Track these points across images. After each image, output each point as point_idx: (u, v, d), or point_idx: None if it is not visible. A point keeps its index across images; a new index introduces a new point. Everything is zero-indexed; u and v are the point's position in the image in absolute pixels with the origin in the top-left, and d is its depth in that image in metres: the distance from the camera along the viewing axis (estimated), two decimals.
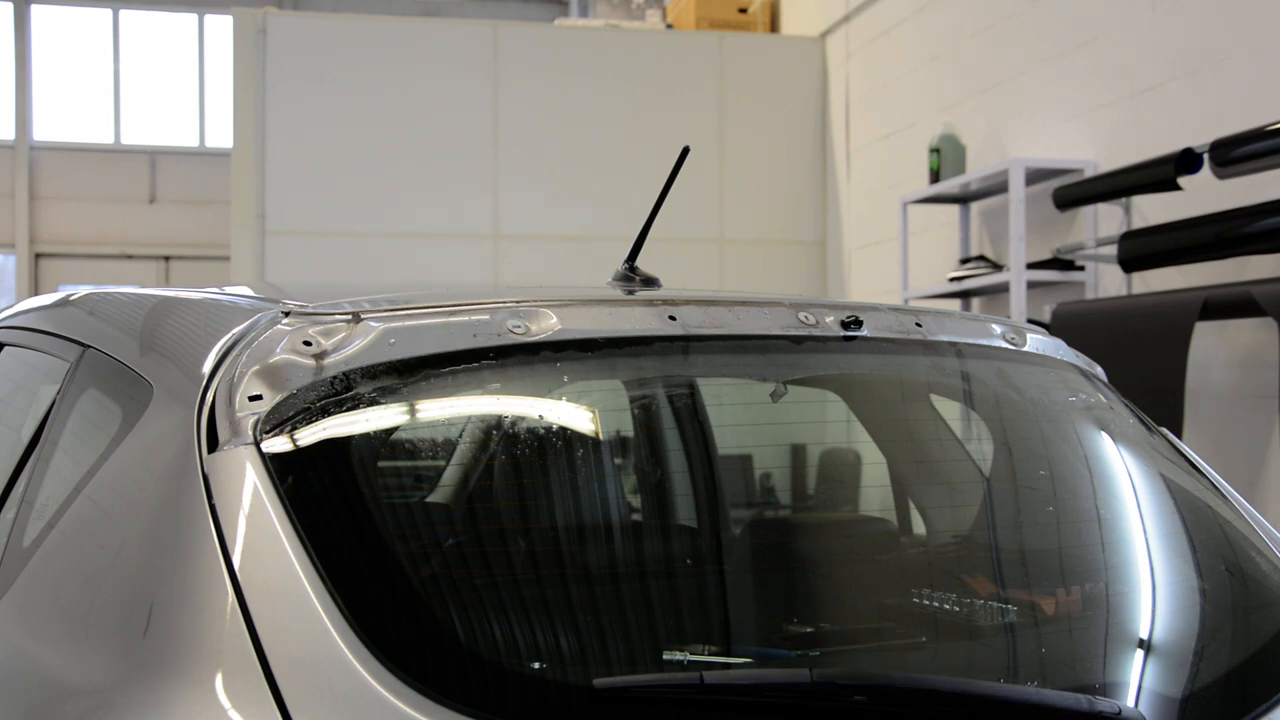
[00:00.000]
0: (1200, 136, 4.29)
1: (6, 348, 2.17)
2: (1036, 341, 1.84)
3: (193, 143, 14.38)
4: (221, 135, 13.83)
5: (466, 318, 1.40)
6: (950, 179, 5.84)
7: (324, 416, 1.27)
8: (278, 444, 1.24)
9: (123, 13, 14.25)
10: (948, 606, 1.52)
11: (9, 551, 1.50)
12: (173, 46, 14.44)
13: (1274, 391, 4.12)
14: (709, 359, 1.58)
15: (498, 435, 1.48)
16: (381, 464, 1.36)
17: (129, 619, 1.17)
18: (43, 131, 14.08)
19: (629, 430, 1.84)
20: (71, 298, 2.02)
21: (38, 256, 13.89)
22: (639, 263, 1.73)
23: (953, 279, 5.76)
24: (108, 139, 14.20)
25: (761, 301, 1.59)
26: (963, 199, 6.06)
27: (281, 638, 1.10)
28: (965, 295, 5.94)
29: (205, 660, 1.09)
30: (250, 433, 1.24)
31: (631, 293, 1.64)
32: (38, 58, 14.10)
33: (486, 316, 1.41)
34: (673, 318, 1.50)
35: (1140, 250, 4.37)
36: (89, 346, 1.71)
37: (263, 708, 1.06)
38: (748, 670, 1.31)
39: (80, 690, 1.16)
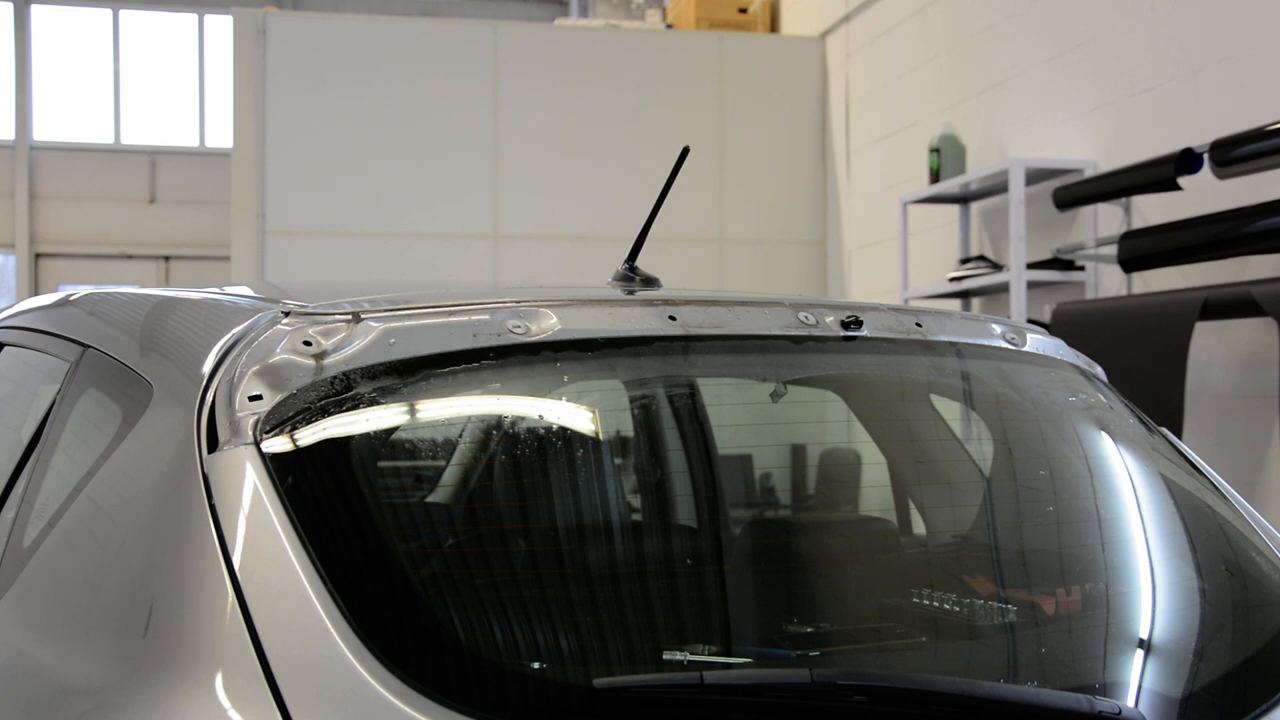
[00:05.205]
0: (1200, 136, 4.29)
1: (6, 348, 2.17)
2: (1036, 341, 1.84)
3: (193, 143, 14.37)
4: (221, 135, 13.82)
5: (466, 318, 1.40)
6: (950, 179, 5.83)
7: (324, 416, 1.27)
8: (278, 444, 1.24)
9: (123, 13, 14.24)
10: (948, 606, 1.52)
11: (9, 551, 1.50)
12: (173, 46, 14.43)
13: (1274, 391, 4.11)
14: (709, 359, 1.58)
15: (498, 435, 1.48)
16: (381, 464, 1.36)
17: (129, 619, 1.17)
18: (43, 131, 14.07)
19: (629, 430, 1.84)
20: (71, 298, 2.01)
21: (38, 256, 13.88)
22: (639, 263, 1.73)
23: (953, 279, 5.76)
24: (108, 139, 14.19)
25: (761, 301, 1.59)
26: (963, 199, 6.06)
27: (281, 638, 1.10)
28: (965, 295, 5.94)
29: (205, 660, 1.09)
30: (250, 433, 1.24)
31: (631, 293, 1.63)
32: (38, 58, 14.10)
33: (486, 316, 1.41)
34: (673, 318, 1.50)
35: (1140, 250, 4.37)
36: (89, 346, 1.71)
37: (263, 708, 1.06)
38: (748, 670, 1.31)
39: (80, 690, 1.16)
